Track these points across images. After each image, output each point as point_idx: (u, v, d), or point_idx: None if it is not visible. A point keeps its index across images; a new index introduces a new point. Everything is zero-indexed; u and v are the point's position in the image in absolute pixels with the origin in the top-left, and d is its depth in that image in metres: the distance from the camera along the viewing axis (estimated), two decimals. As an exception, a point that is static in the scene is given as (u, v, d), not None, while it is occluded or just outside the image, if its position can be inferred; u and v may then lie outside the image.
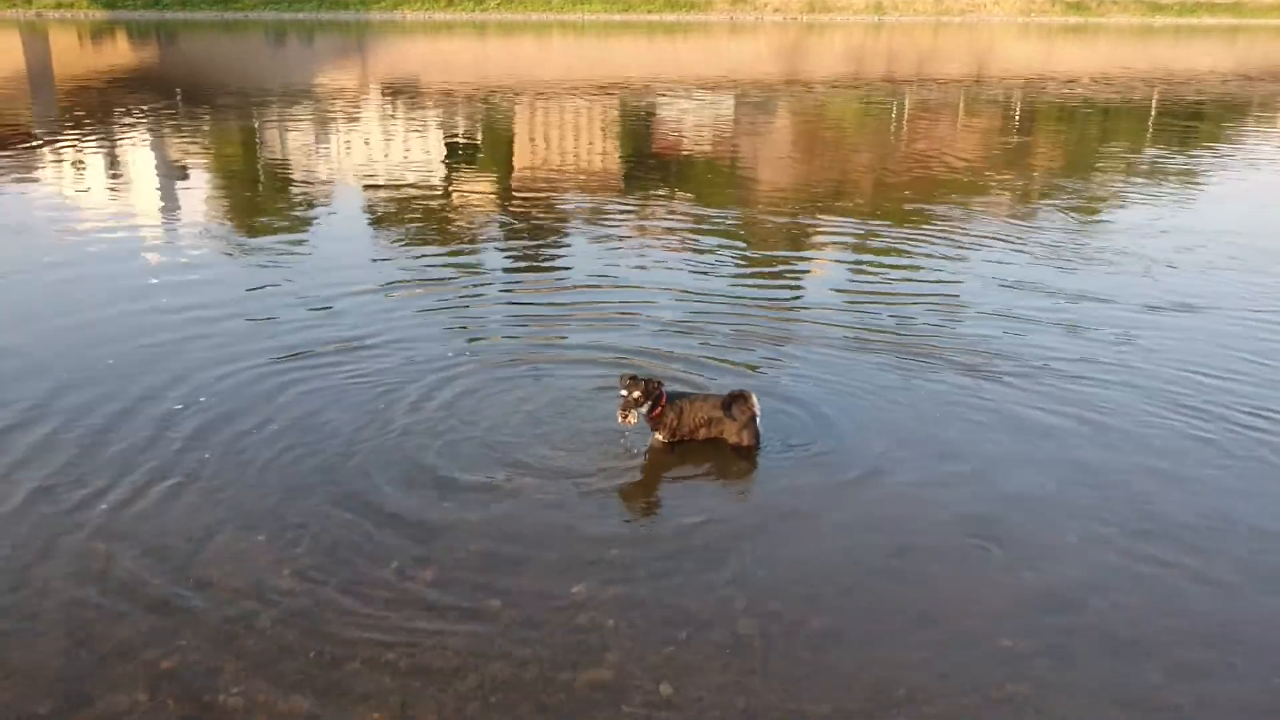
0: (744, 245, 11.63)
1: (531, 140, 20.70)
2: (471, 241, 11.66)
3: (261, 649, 4.23)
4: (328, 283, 9.49)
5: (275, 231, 12.07)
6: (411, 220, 12.69)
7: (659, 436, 6.14)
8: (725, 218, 13.09)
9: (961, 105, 28.64)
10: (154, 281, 9.64)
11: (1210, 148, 20.46)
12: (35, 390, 6.78)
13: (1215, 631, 4.45)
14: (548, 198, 14.45)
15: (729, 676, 4.14)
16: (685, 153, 19.20)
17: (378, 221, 12.77)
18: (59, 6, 66.88)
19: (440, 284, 9.64)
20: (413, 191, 14.62)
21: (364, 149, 18.64)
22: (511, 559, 4.93)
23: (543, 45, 53.50)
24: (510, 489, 5.58)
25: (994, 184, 16.24)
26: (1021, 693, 4.05)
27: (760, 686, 4.08)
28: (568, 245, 11.52)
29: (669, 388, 6.13)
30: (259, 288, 9.36)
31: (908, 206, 13.76)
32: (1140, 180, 16.33)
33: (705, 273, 10.19)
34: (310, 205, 13.75)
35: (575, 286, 9.66)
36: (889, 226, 12.40)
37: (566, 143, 20.20)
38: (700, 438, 6.15)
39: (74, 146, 17.79)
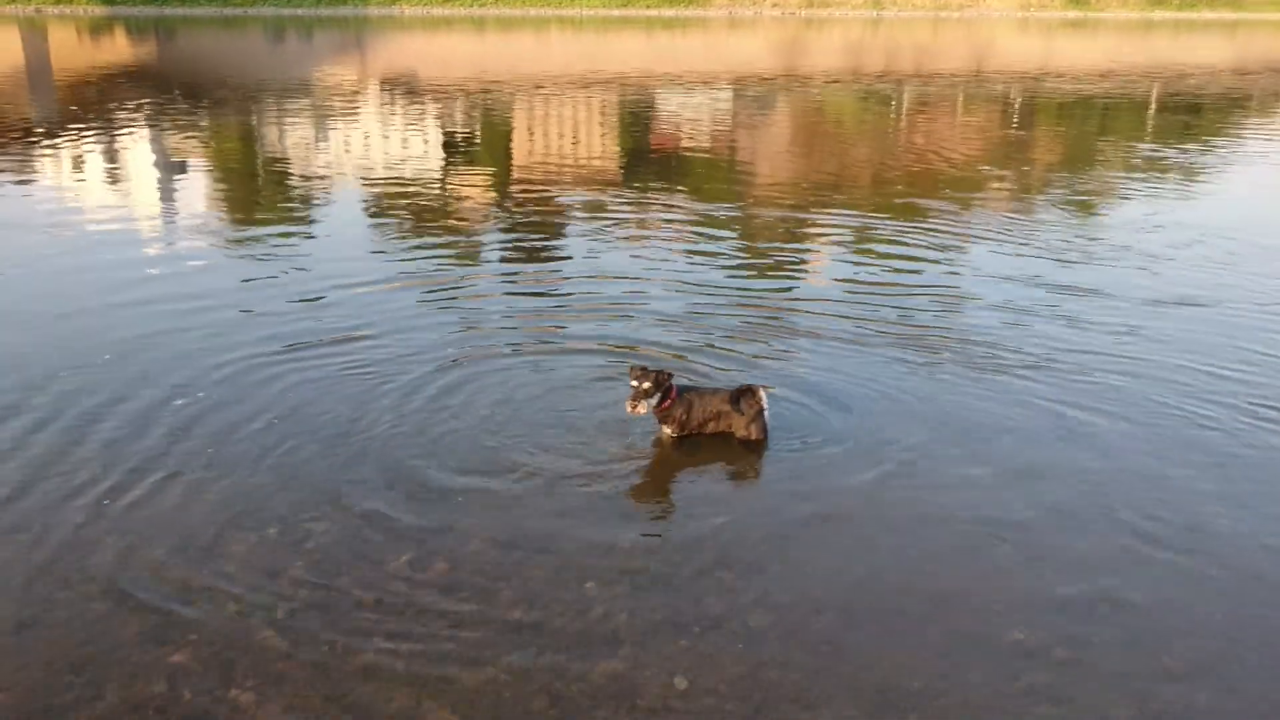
0: (743, 239, 11.62)
1: (530, 135, 20.65)
2: (470, 235, 11.64)
3: (273, 644, 4.22)
4: (326, 276, 9.48)
5: (274, 225, 12.04)
6: (410, 214, 12.66)
7: (667, 430, 6.13)
8: (724, 212, 13.06)
9: (960, 100, 28.62)
10: (152, 272, 9.63)
11: (1209, 142, 20.45)
12: (34, 384, 6.76)
13: (1229, 625, 4.44)
14: (546, 192, 14.43)
15: (743, 670, 4.14)
16: (683, 147, 19.17)
17: (376, 215, 12.74)
18: (58, 2, 66.74)
19: (439, 277, 9.62)
20: (411, 186, 14.59)
21: (362, 144, 18.59)
22: (521, 553, 4.92)
23: (541, 40, 53.42)
24: (518, 483, 5.57)
25: (993, 178, 16.22)
26: (1037, 686, 4.04)
27: (775, 679, 4.08)
28: (567, 239, 11.51)
29: (675, 381, 6.12)
30: (257, 281, 9.35)
31: (907, 200, 13.75)
32: (1139, 175, 16.32)
33: (705, 266, 10.17)
34: (309, 199, 13.72)
35: (575, 279, 9.66)
36: (888, 220, 12.39)
37: (565, 137, 20.16)
38: (708, 432, 6.14)
39: (72, 142, 17.73)
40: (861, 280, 9.77)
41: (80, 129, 19.25)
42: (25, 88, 28.94)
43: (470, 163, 17.25)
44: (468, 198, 13.98)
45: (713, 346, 7.63)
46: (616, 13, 74.42)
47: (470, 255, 10.74)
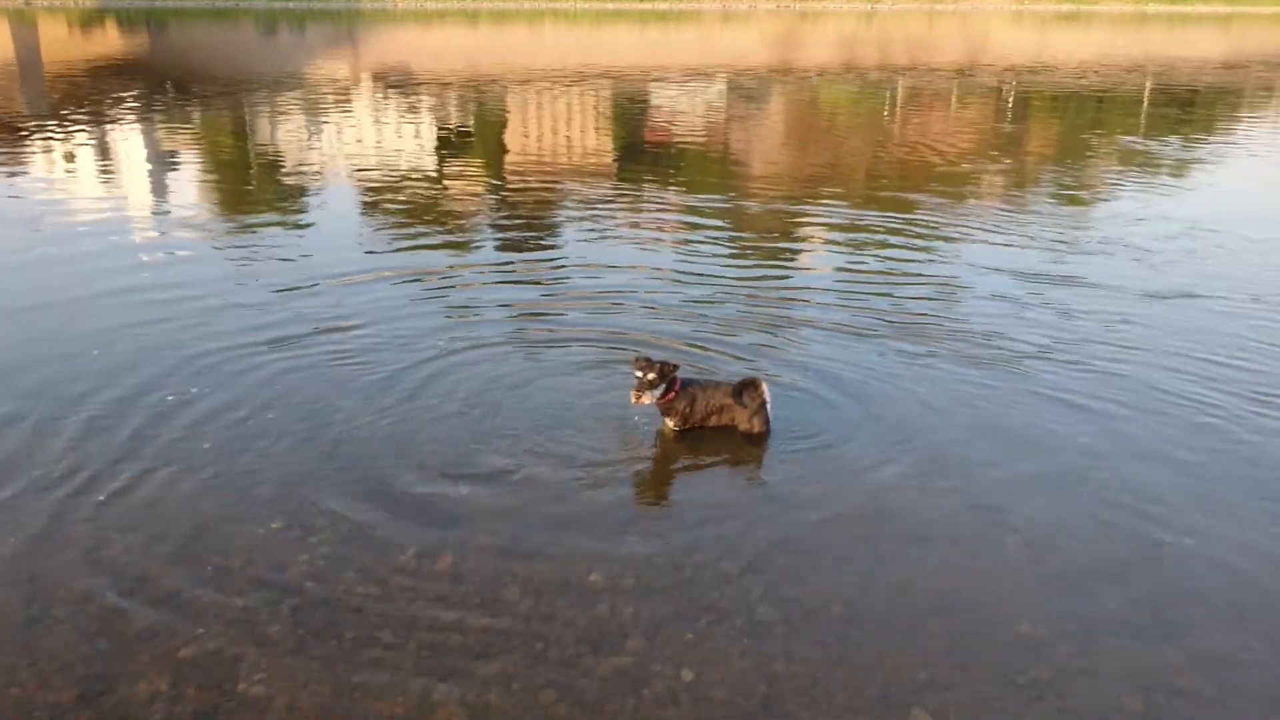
0: (737, 231, 11.62)
1: (523, 128, 20.62)
2: (463, 229, 11.63)
3: (281, 637, 4.22)
4: (320, 269, 9.47)
5: (266, 218, 12.01)
6: (403, 208, 12.64)
7: (669, 423, 6.12)
8: (718, 204, 13.07)
9: (954, 93, 28.63)
10: (140, 263, 9.65)
11: (1201, 136, 20.50)
12: (20, 377, 6.75)
13: (1232, 616, 4.47)
14: (539, 185, 14.42)
15: (750, 662, 4.15)
16: (677, 141, 19.15)
17: (369, 209, 12.70)
18: (46, -6, 66.30)
19: (433, 270, 9.61)
20: (404, 179, 14.56)
21: (355, 137, 18.54)
22: (527, 546, 4.92)
23: (534, 33, 53.26)
24: (522, 476, 5.57)
25: (987, 172, 16.24)
26: (1042, 678, 4.06)
27: (782, 672, 4.09)
28: (560, 232, 11.53)
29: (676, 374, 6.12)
30: (251, 274, 9.33)
31: (901, 193, 13.78)
32: (1131, 169, 16.37)
33: (699, 258, 10.20)
34: (301, 193, 13.69)
35: (568, 271, 9.68)
36: (883, 213, 12.40)
37: (558, 130, 20.14)
38: (711, 425, 6.15)
39: (63, 135, 17.64)
40: (857, 271, 9.80)
41: (71, 122, 19.14)
42: (15, 80, 28.77)
43: (463, 156, 17.21)
44: (461, 191, 13.96)
45: (709, 338, 7.65)
46: (610, 5, 74.25)
47: (464, 248, 10.73)
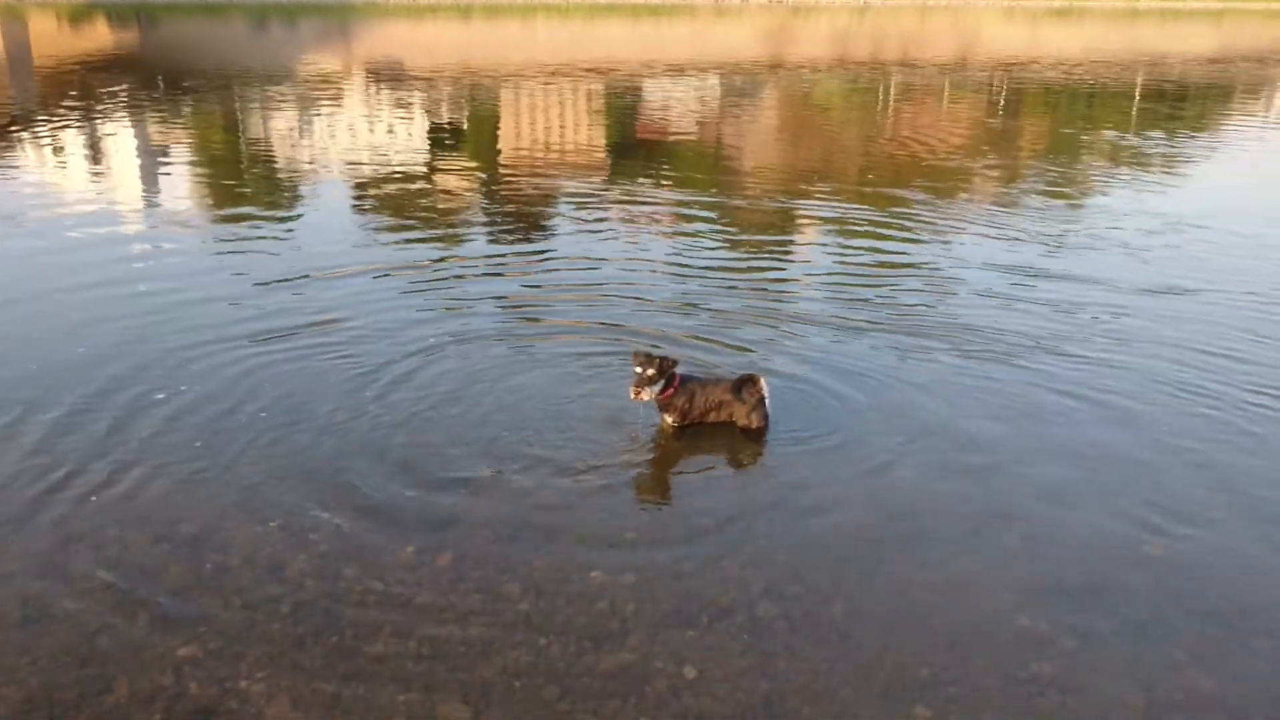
0: (731, 227, 11.61)
1: (516, 124, 20.57)
2: (454, 224, 11.60)
3: (282, 636, 4.20)
4: (310, 263, 9.46)
5: (256, 213, 11.95)
6: (396, 204, 12.60)
7: (668, 419, 6.11)
8: (711, 199, 13.07)
9: (946, 89, 28.65)
10: (131, 253, 9.63)
11: (1192, 131, 20.56)
12: (14, 375, 6.71)
13: (1233, 612, 4.48)
14: (533, 181, 14.40)
15: (751, 659, 4.14)
16: (671, 136, 19.13)
17: (362, 205, 12.66)
18: (36, -12, 65.81)
19: (426, 266, 9.60)
20: (397, 175, 14.51)
21: (347, 133, 18.47)
22: (527, 544, 4.91)
23: (527, 27, 53.13)
24: (519, 473, 5.55)
25: (979, 167, 16.26)
26: (1045, 674, 4.06)
27: (784, 669, 4.09)
28: (553, 227, 11.51)
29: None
30: (240, 269, 9.31)
31: (894, 189, 13.77)
32: (1123, 164, 16.41)
33: (693, 253, 10.20)
34: (294, 189, 13.64)
35: (561, 265, 9.67)
36: (876, 209, 12.42)
37: (551, 126, 20.09)
38: (709, 421, 6.14)
39: (53, 131, 17.54)
40: (851, 266, 9.82)
41: (61, 118, 19.03)
42: (4, 75, 28.60)
43: (455, 151, 17.16)
44: (454, 188, 13.92)
45: (704, 333, 7.66)
46: (603, 0, 74.08)
47: (455, 242, 10.70)
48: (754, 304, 8.47)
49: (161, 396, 6.41)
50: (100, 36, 44.16)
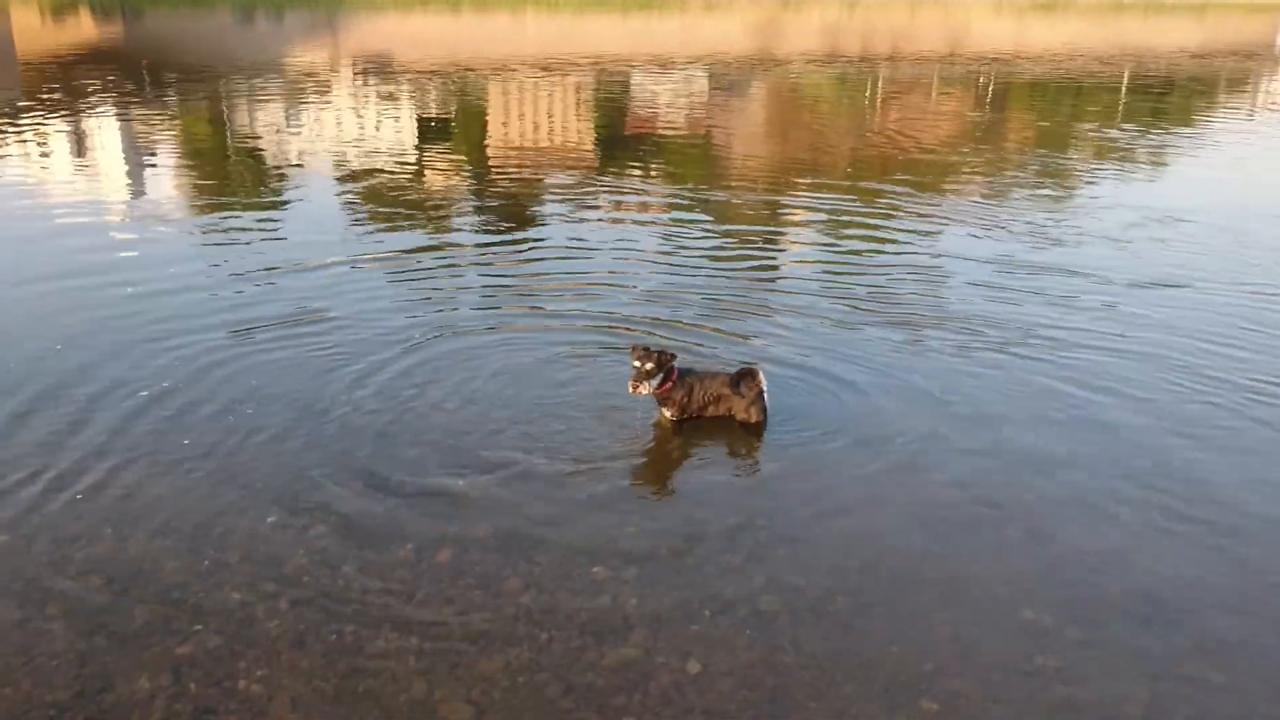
0: (720, 220, 11.58)
1: (505, 117, 20.47)
2: (443, 218, 11.53)
3: (281, 633, 4.15)
4: (297, 258, 9.38)
5: (242, 207, 11.85)
6: (384, 197, 12.51)
7: (666, 413, 6.08)
8: (701, 193, 13.02)
9: (935, 82, 28.67)
10: (115, 248, 9.57)
11: (1177, 125, 20.63)
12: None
13: (1238, 602, 4.48)
14: (521, 175, 14.35)
15: (756, 654, 4.12)
16: (660, 130, 19.07)
17: (349, 198, 12.56)
18: (18, -19, 65.11)
19: (417, 259, 9.54)
20: (384, 169, 14.40)
21: (335, 126, 18.34)
22: (527, 539, 4.87)
23: (517, 21, 52.89)
24: (519, 467, 5.51)
25: (967, 161, 16.27)
26: (1050, 666, 4.06)
27: (789, 663, 4.06)
28: (541, 221, 11.45)
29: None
30: (226, 263, 9.23)
31: (882, 182, 13.76)
32: (1109, 158, 16.45)
33: (685, 247, 10.17)
34: (281, 182, 13.53)
35: (553, 260, 9.63)
36: (863, 201, 12.43)
37: (540, 120, 20.01)
38: (708, 415, 6.11)
39: (36, 125, 17.34)
40: (844, 259, 9.82)
41: (45, 112, 18.82)
42: (-11, 69, 28.27)
43: (445, 145, 17.06)
44: (442, 181, 13.84)
45: (700, 328, 7.63)
46: (591, -6, 73.74)
47: (447, 237, 10.63)
48: (745, 296, 8.46)
49: (145, 393, 6.32)
50: (84, 29, 43.74)
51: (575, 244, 10.16)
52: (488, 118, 20.46)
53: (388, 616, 4.27)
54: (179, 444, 5.70)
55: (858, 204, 12.28)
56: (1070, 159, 16.44)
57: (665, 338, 7.32)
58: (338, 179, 13.68)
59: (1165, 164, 16.17)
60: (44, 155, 14.91)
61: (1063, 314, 8.11)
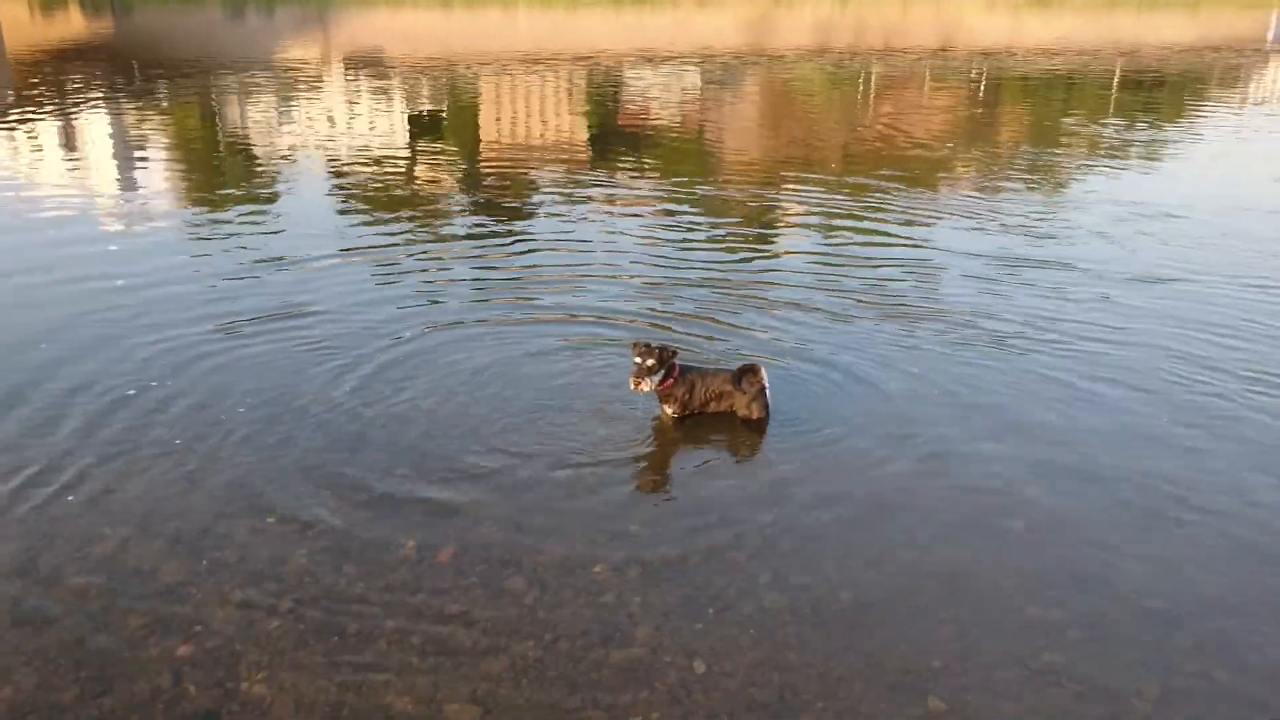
0: (713, 215, 11.55)
1: (497, 113, 20.39)
2: (435, 213, 11.48)
3: (282, 633, 4.11)
4: (288, 254, 9.35)
5: (233, 203, 11.77)
6: (375, 192, 12.45)
7: (667, 410, 6.05)
8: (694, 188, 12.97)
9: (927, 77, 28.66)
10: (105, 244, 9.54)
11: (1169, 120, 20.65)
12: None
13: (1241, 599, 4.47)
14: (514, 170, 14.29)
15: (762, 652, 4.09)
16: (652, 125, 19.02)
17: (341, 194, 12.48)
18: (6, -24, 64.67)
19: (409, 255, 9.50)
20: (376, 165, 14.32)
21: (326, 122, 18.23)
22: (530, 537, 4.84)
23: (509, 16, 52.74)
24: (520, 466, 5.48)
25: (960, 156, 16.26)
26: (1056, 663, 4.04)
27: (795, 661, 4.04)
28: (534, 216, 11.41)
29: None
30: (216, 260, 9.19)
31: (875, 177, 13.73)
32: (1101, 153, 16.46)
33: (680, 243, 10.15)
34: (272, 178, 13.45)
35: (546, 256, 9.60)
36: (857, 196, 12.40)
37: (533, 115, 19.94)
38: (710, 412, 6.08)
39: (26, 121, 17.21)
40: (840, 255, 9.78)
41: (35, 108, 18.69)
42: (-22, 64, 28.05)
43: (437, 141, 16.99)
44: (435, 177, 13.78)
45: (698, 323, 7.61)
46: (584, -11, 73.51)
47: (440, 232, 10.59)
48: (746, 293, 8.41)
49: (133, 392, 6.26)
50: (74, 24, 43.46)
51: (567, 240, 10.14)
52: (479, 112, 20.38)
53: (390, 616, 4.23)
54: (174, 444, 5.64)
55: (849, 198, 12.25)
56: (1062, 155, 16.42)
57: (662, 334, 7.29)
58: (328, 174, 13.60)
59: (1157, 159, 16.17)
60: (33, 150, 14.80)
61: (1059, 310, 8.08)
